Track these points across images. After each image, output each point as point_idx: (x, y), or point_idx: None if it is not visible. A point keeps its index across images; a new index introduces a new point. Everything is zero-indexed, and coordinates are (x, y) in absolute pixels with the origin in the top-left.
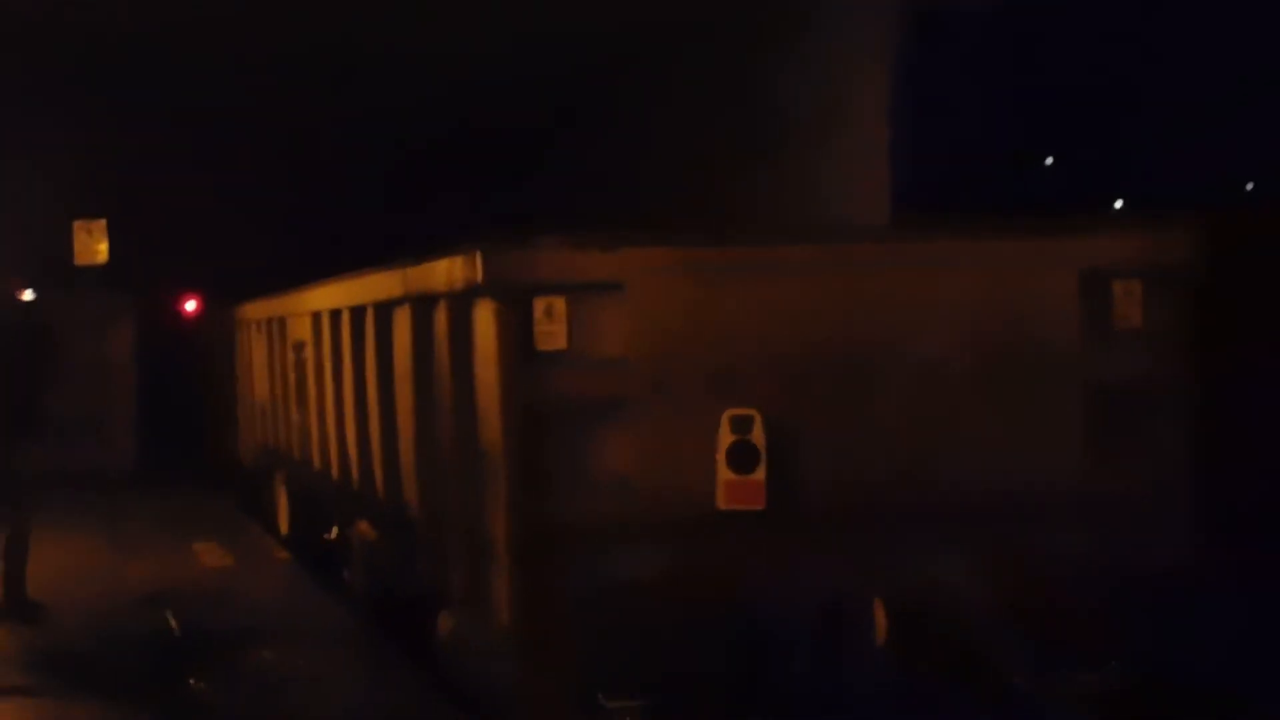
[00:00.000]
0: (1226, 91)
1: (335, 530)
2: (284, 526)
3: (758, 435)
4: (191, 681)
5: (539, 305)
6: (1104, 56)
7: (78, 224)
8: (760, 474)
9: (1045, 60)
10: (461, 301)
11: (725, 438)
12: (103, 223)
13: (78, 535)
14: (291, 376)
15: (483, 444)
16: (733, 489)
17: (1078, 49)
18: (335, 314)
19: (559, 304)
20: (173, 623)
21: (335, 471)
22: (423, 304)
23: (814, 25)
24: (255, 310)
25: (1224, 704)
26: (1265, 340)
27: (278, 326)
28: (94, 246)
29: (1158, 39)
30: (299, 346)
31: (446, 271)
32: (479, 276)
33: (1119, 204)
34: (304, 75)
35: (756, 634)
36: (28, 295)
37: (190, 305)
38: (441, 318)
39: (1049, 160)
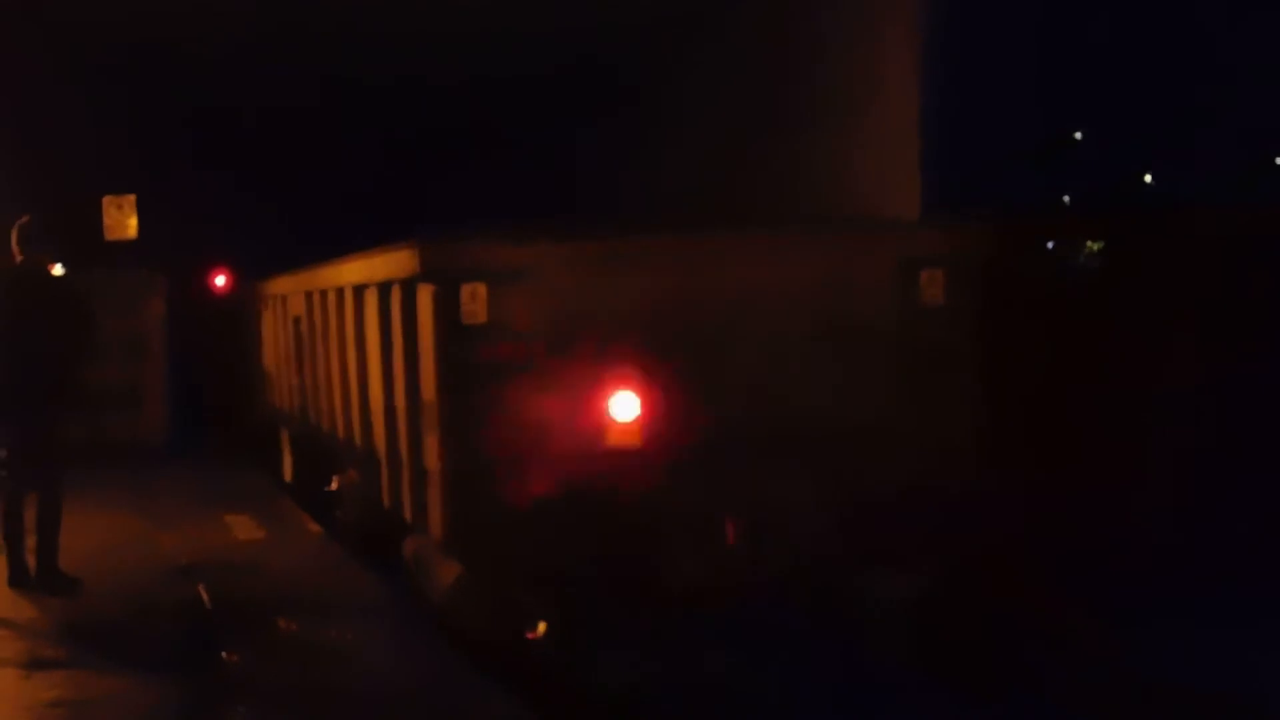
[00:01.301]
0: (1261, 66)
1: (335, 481)
2: (287, 475)
3: (636, 389)
4: (224, 654)
5: (465, 289)
6: (1134, 32)
7: (107, 199)
8: (637, 419)
9: (1078, 34)
10: (408, 285)
11: (609, 391)
12: (132, 198)
13: (110, 507)
14: (291, 346)
15: (424, 396)
16: (615, 431)
17: (1109, 24)
18: (323, 293)
19: (480, 288)
20: (205, 595)
21: (327, 427)
22: (383, 287)
23: (843, 3)
24: (268, 287)
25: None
26: (1037, 316)
27: (281, 302)
28: (124, 221)
29: (1197, 16)
30: (296, 320)
31: (397, 261)
32: (417, 266)
33: (1148, 178)
34: (333, 54)
35: (635, 539)
36: (58, 270)
37: (220, 280)
38: (395, 298)
39: (1078, 135)
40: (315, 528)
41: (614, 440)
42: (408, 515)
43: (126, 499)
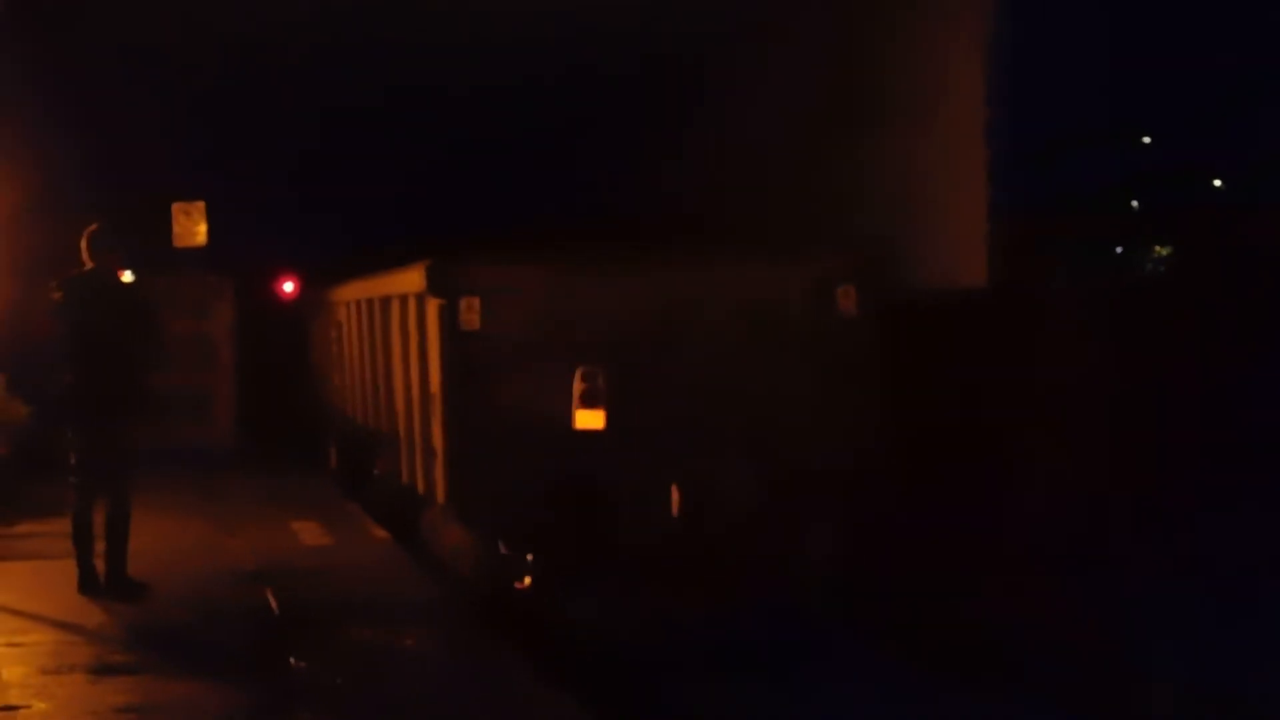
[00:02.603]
0: None
1: (376, 467)
2: (333, 462)
3: (600, 383)
4: (292, 660)
5: (463, 302)
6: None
7: (177, 206)
8: (601, 407)
9: (1147, 38)
10: (422, 298)
11: (579, 385)
12: (201, 205)
13: (178, 513)
14: (335, 350)
15: (431, 389)
16: (583, 416)
17: (1181, 27)
18: (359, 303)
19: (476, 301)
20: (272, 600)
21: (363, 419)
22: (402, 299)
23: (910, 5)
24: (322, 296)
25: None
26: (931, 323)
27: (330, 310)
28: (193, 229)
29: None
30: (339, 326)
31: (410, 279)
32: (425, 284)
33: (1218, 183)
34: (396, 63)
35: (599, 507)
36: (128, 276)
37: (288, 286)
38: (411, 308)
39: (1146, 140)
40: (381, 533)
41: (582, 425)
42: (421, 488)
43: (194, 504)
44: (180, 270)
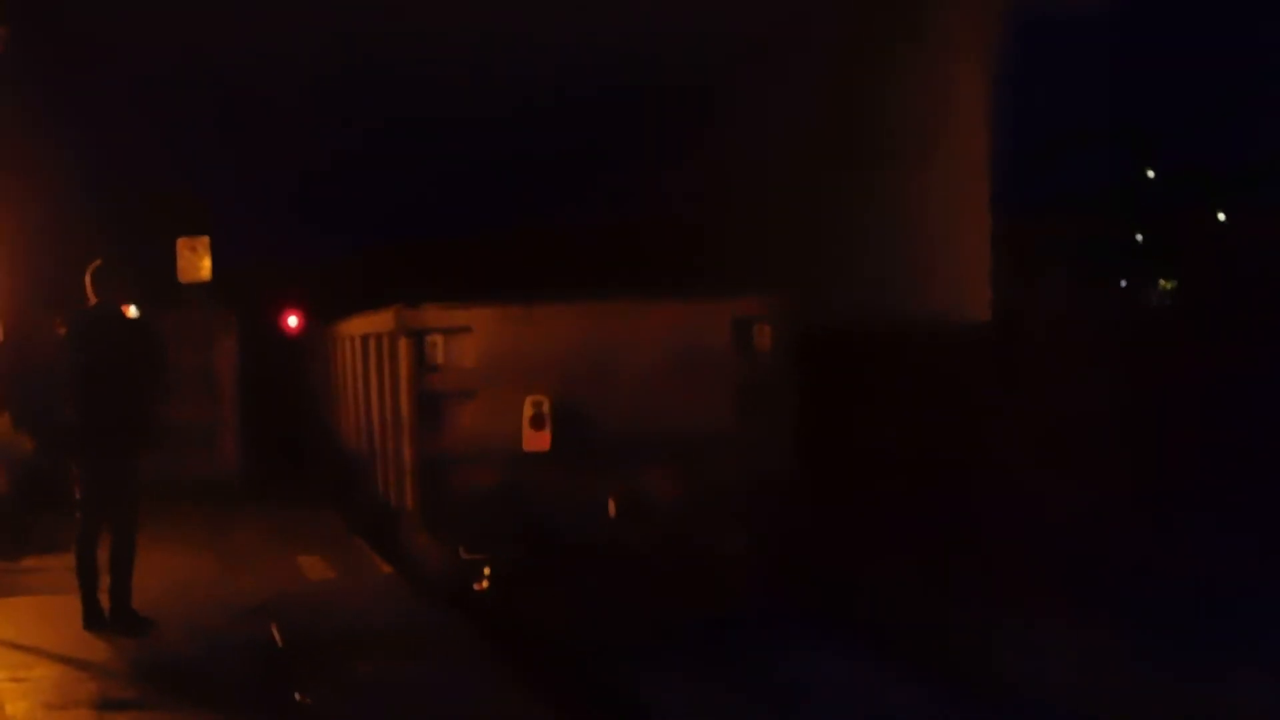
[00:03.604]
0: None
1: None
2: (332, 489)
3: (545, 410)
4: (296, 694)
5: (428, 340)
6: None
7: (181, 241)
8: (547, 431)
9: (1150, 67)
10: (393, 337)
11: (527, 411)
12: (206, 240)
13: (183, 546)
14: (331, 381)
15: (401, 415)
16: (531, 439)
17: (1184, 55)
18: (350, 339)
19: (439, 339)
20: (277, 635)
21: (354, 444)
22: (379, 337)
23: (915, 33)
24: (321, 330)
25: None
26: (837, 358)
27: (326, 344)
28: (198, 263)
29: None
30: (334, 359)
31: (385, 320)
32: (396, 325)
33: (1222, 216)
34: (390, 100)
35: (544, 515)
36: (133, 311)
37: (293, 320)
38: (385, 345)
39: (1150, 174)
40: (386, 569)
41: (530, 445)
42: (394, 502)
43: (199, 538)
44: (185, 304)
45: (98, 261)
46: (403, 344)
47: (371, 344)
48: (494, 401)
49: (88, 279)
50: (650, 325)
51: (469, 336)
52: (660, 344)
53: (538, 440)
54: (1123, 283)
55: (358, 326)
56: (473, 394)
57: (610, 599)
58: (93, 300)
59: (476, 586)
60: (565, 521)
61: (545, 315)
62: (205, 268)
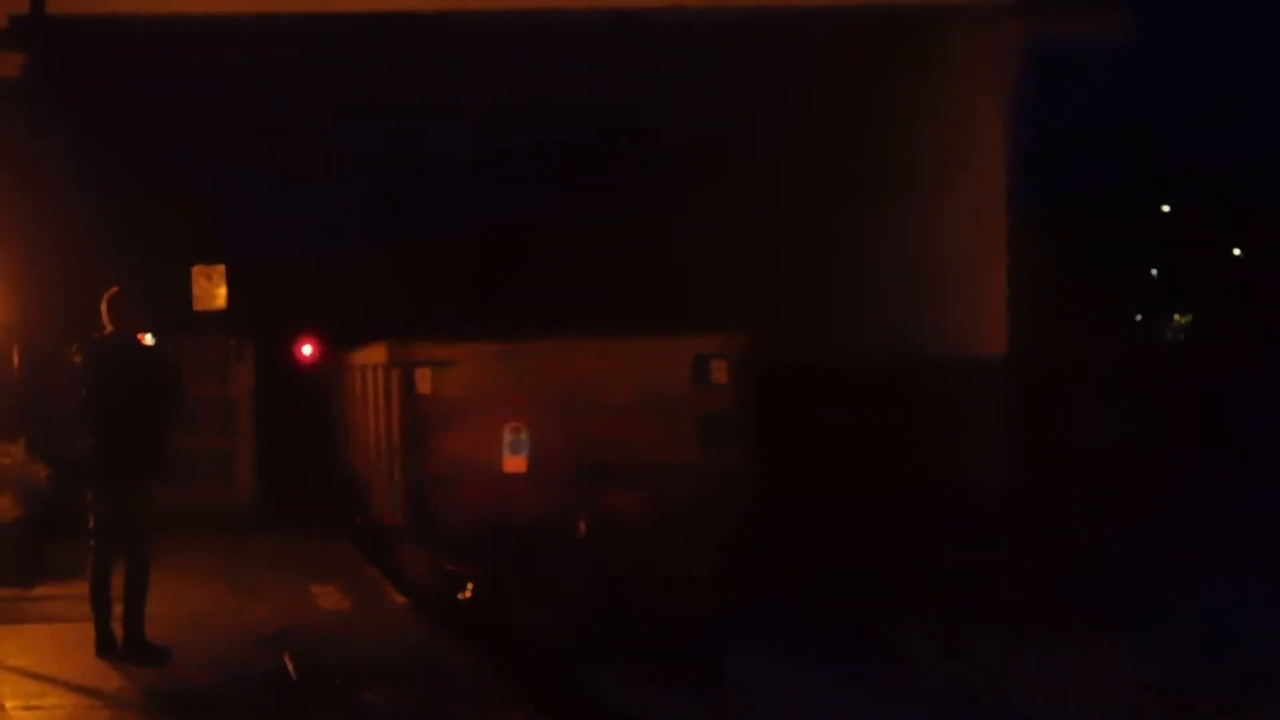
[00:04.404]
0: None
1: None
2: (343, 513)
3: (524, 435)
4: None
5: (417, 371)
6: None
7: (197, 269)
8: (524, 456)
9: (1166, 97)
10: (386, 368)
11: (506, 437)
12: (221, 268)
13: (198, 575)
14: (340, 410)
15: (394, 438)
16: (509, 462)
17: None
18: (355, 370)
19: (427, 371)
20: (290, 665)
21: (358, 468)
22: (375, 368)
23: (931, 66)
24: (332, 360)
25: None
26: (787, 390)
27: (337, 374)
28: (213, 291)
29: None
30: (343, 389)
31: (379, 353)
32: (388, 358)
33: (1237, 251)
34: (406, 133)
35: (521, 532)
36: (149, 339)
37: (307, 349)
38: (380, 376)
39: (1166, 208)
40: (400, 599)
41: (509, 468)
42: (387, 518)
43: (214, 567)
44: (201, 333)
45: (114, 289)
46: (395, 374)
47: (369, 374)
48: (476, 428)
49: (103, 307)
50: (618, 361)
51: (454, 369)
52: (627, 378)
53: (516, 463)
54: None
55: (359, 358)
56: (457, 421)
57: (580, 609)
58: (109, 328)
59: (460, 596)
60: (540, 537)
61: (524, 351)
62: (221, 296)
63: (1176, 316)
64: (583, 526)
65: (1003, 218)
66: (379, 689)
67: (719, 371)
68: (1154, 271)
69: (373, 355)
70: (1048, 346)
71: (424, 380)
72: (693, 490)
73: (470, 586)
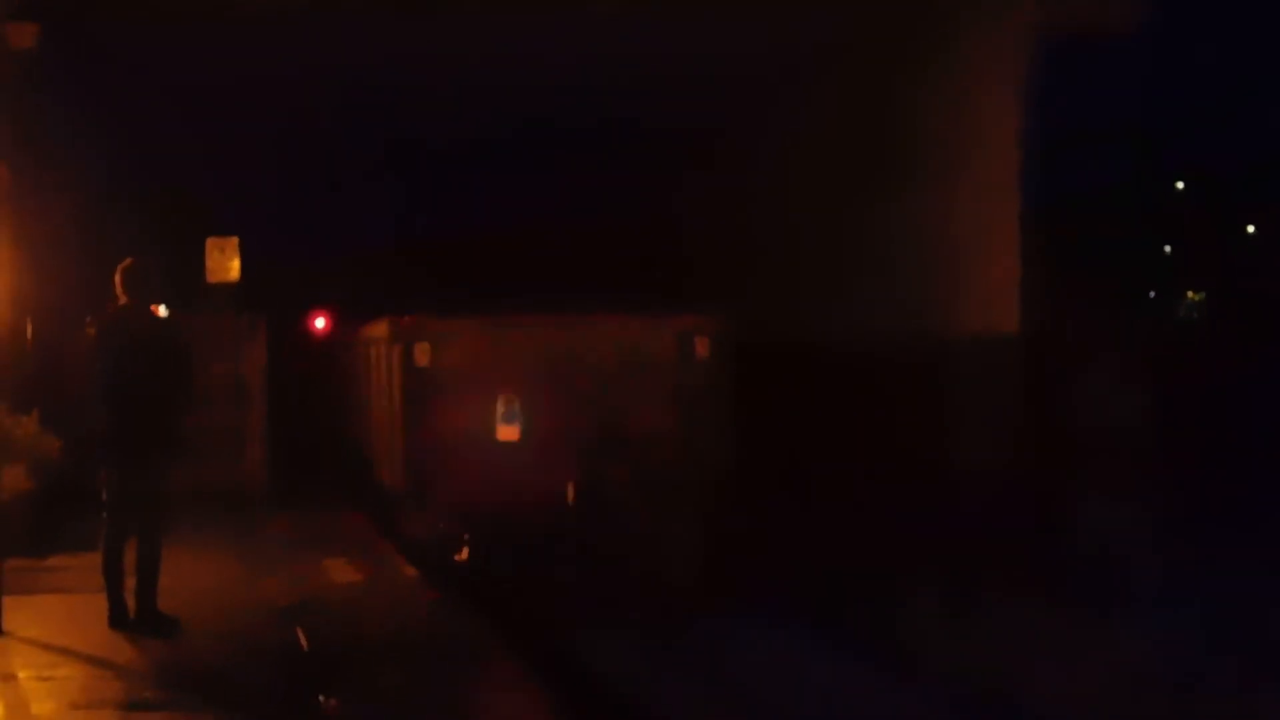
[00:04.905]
0: None
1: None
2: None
3: (516, 406)
4: (321, 697)
5: (416, 346)
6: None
7: (210, 241)
8: (517, 425)
9: (1180, 82)
10: (389, 343)
11: (501, 407)
12: (235, 240)
13: (210, 550)
14: (350, 384)
15: (396, 407)
16: (503, 431)
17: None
18: (362, 345)
19: (426, 345)
20: (302, 638)
21: (366, 438)
22: (378, 343)
23: (946, 51)
24: (344, 336)
25: None
26: (766, 365)
27: (346, 350)
28: (226, 264)
29: None
30: (351, 363)
31: (382, 329)
32: (388, 334)
33: (1251, 229)
34: (422, 111)
35: (514, 497)
36: (163, 312)
37: (320, 323)
38: (383, 350)
39: (1180, 184)
40: (411, 571)
41: (503, 436)
42: (390, 484)
43: (226, 541)
44: (214, 309)
45: (128, 261)
46: (397, 349)
47: (374, 349)
48: (472, 399)
49: (117, 278)
50: (605, 337)
51: (451, 344)
52: (614, 353)
53: (509, 432)
54: (1151, 294)
55: (367, 334)
56: (453, 392)
57: (569, 572)
58: (122, 300)
59: (456, 557)
60: (530, 503)
61: (517, 327)
62: (234, 268)
63: (1189, 293)
64: (571, 491)
65: (1014, 200)
66: (391, 662)
67: (702, 347)
68: (1167, 249)
69: (377, 331)
70: (1059, 326)
71: (423, 354)
72: (673, 460)
73: (466, 548)
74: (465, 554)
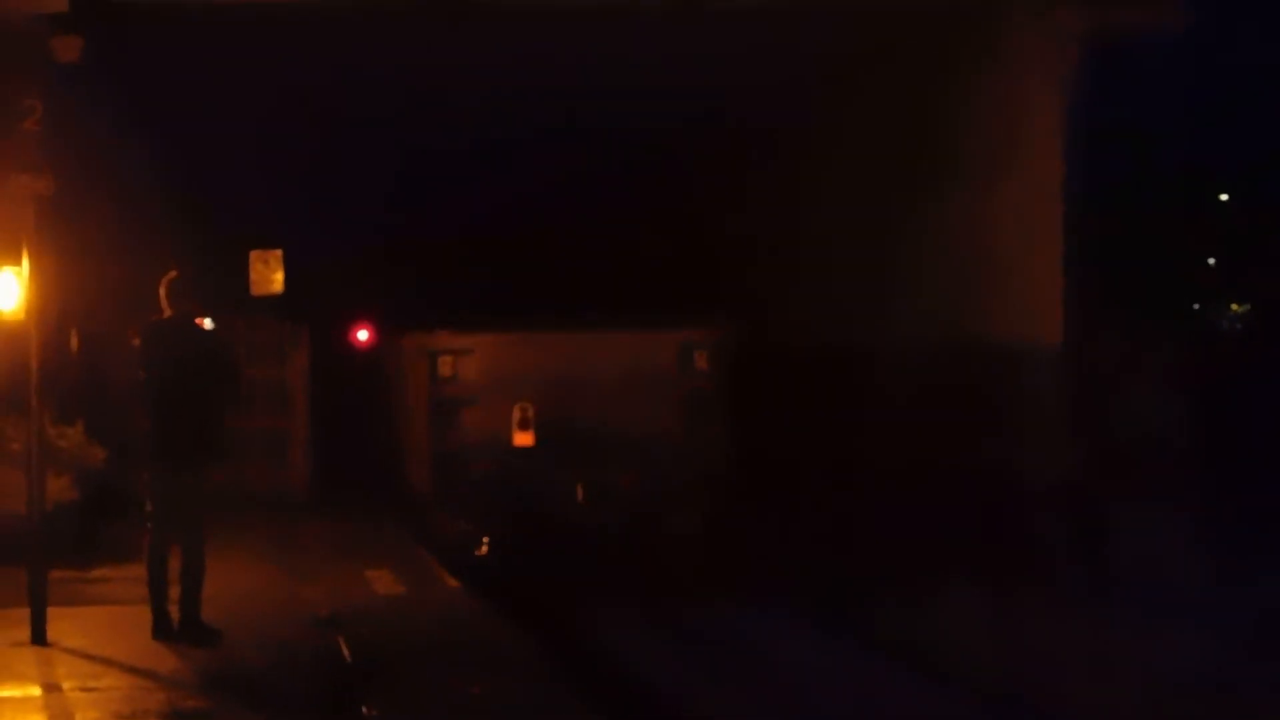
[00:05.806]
0: None
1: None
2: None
3: (530, 415)
4: (364, 708)
5: (440, 359)
6: None
7: (254, 254)
8: (531, 431)
9: (1230, 90)
10: (415, 355)
11: (516, 415)
12: (279, 253)
13: (253, 559)
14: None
15: (419, 415)
16: (519, 437)
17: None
18: (399, 354)
19: (448, 358)
20: (345, 648)
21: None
22: (408, 354)
23: (989, 56)
24: (386, 346)
25: None
26: (761, 377)
27: (388, 359)
28: (270, 276)
29: None
30: (391, 373)
31: (411, 342)
32: (416, 346)
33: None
34: (474, 117)
35: (529, 496)
36: (208, 324)
37: (363, 334)
38: (410, 362)
39: (1224, 197)
40: (453, 583)
41: (518, 441)
42: (417, 483)
43: (269, 550)
44: (258, 318)
45: (173, 273)
46: (423, 361)
47: (404, 360)
48: (491, 407)
49: (162, 290)
50: (614, 350)
51: (472, 356)
52: (621, 364)
53: (524, 438)
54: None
55: (399, 344)
56: (474, 401)
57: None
58: (167, 311)
59: (476, 552)
60: (543, 502)
61: (533, 341)
62: (278, 280)
63: (1234, 306)
64: (581, 492)
65: (1058, 206)
66: (433, 672)
67: (702, 359)
68: (1211, 261)
69: (407, 343)
70: (1102, 336)
71: (446, 366)
72: (676, 463)
73: (485, 544)
74: (485, 549)
